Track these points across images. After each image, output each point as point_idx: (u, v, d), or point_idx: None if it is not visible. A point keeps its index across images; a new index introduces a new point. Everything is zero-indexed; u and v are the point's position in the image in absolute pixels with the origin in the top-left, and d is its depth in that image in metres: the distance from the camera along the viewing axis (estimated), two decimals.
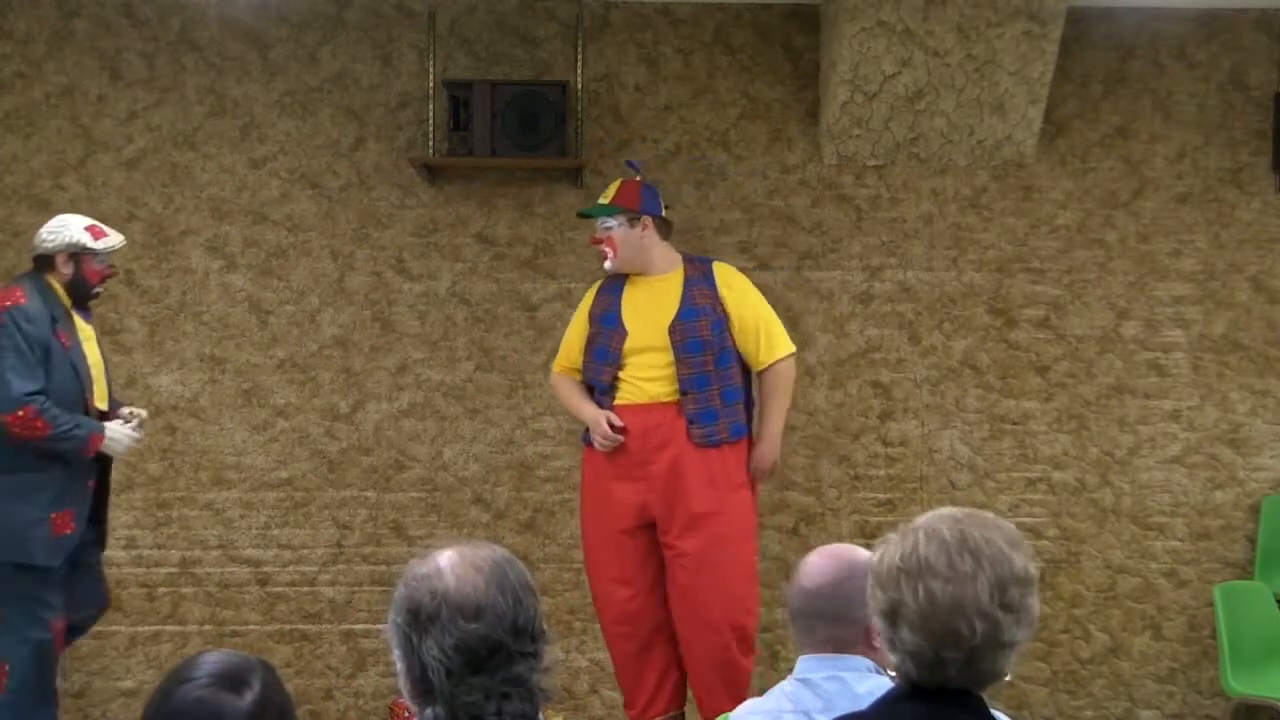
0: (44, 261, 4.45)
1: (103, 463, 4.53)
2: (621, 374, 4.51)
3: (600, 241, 4.57)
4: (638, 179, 4.62)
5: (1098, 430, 5.60)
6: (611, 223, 4.53)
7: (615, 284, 4.61)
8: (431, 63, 5.43)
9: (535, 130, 5.28)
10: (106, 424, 4.41)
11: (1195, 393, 5.62)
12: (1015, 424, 5.60)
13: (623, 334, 4.50)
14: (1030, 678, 5.55)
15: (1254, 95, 5.64)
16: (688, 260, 4.63)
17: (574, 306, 5.48)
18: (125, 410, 4.56)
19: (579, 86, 5.44)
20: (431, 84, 5.42)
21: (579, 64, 5.46)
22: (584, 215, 4.75)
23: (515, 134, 5.28)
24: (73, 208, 5.43)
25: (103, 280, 4.51)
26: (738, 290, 4.58)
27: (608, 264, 4.57)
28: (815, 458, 5.57)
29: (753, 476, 4.58)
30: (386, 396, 5.51)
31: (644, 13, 5.57)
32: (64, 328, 4.40)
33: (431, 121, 5.43)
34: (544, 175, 5.51)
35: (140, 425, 4.56)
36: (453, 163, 5.41)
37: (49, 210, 5.43)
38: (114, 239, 4.51)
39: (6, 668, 4.40)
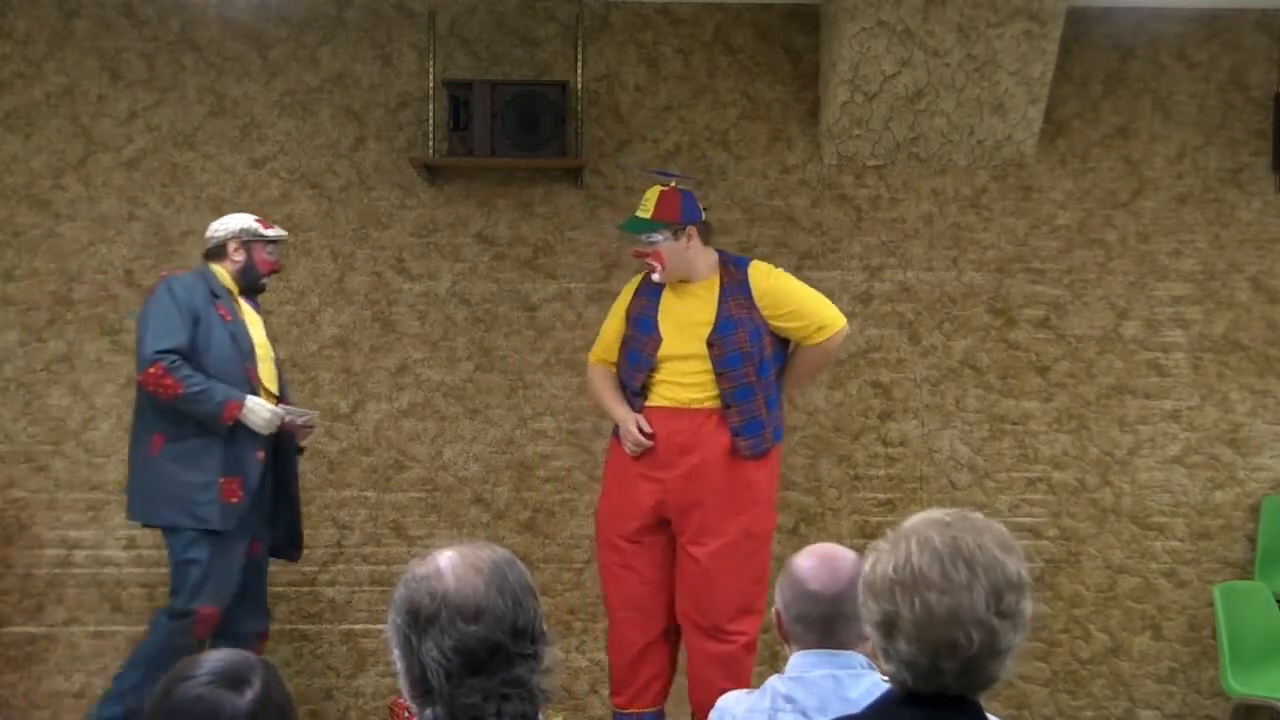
0: (215, 251, 4.62)
1: (281, 448, 4.61)
2: (653, 378, 4.50)
3: (645, 255, 4.49)
4: (673, 185, 4.53)
5: (1098, 430, 5.60)
6: (657, 237, 4.43)
7: (654, 287, 4.56)
8: (431, 63, 5.43)
9: (535, 130, 5.28)
10: (249, 396, 4.45)
11: (1195, 393, 5.62)
12: (1015, 424, 5.60)
13: (657, 340, 4.47)
14: (1030, 678, 5.56)
15: (1254, 95, 5.64)
16: (723, 263, 4.54)
17: (574, 307, 5.51)
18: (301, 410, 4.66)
19: (579, 86, 5.44)
20: (431, 84, 5.42)
21: (579, 64, 5.46)
22: (626, 230, 4.59)
23: (515, 134, 5.28)
24: (73, 208, 5.45)
25: (271, 272, 4.68)
26: (772, 292, 4.48)
27: (656, 276, 4.50)
28: (815, 458, 5.57)
29: None
30: (386, 396, 5.51)
31: (644, 13, 5.57)
32: (225, 304, 4.53)
33: (431, 121, 5.43)
34: (544, 175, 5.51)
35: (304, 423, 4.61)
36: (453, 163, 5.41)
37: (49, 210, 5.46)
38: (281, 230, 4.73)
39: (148, 631, 4.52)
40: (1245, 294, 5.64)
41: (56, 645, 5.42)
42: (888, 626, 1.94)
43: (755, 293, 4.46)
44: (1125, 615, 5.61)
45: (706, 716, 4.48)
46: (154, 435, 4.44)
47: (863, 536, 5.43)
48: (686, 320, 4.46)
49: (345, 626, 5.50)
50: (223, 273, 4.59)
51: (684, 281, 4.50)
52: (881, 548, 1.98)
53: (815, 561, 2.63)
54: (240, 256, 4.60)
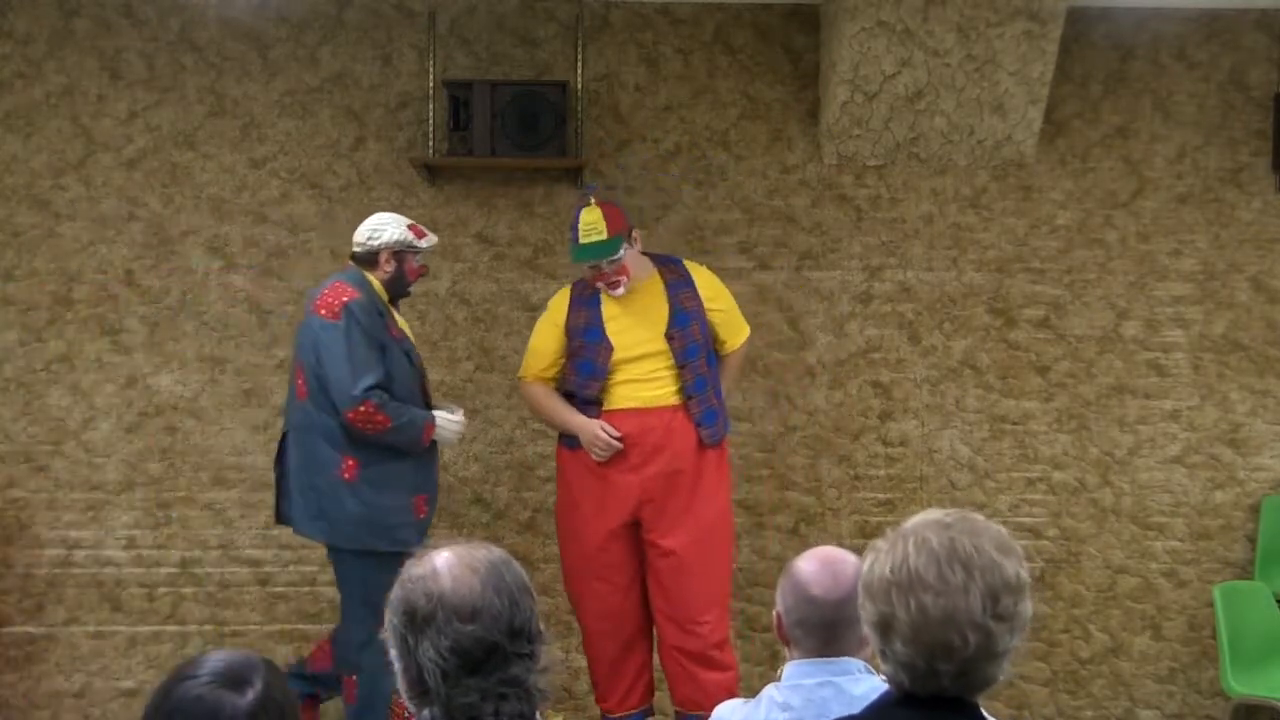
0: (366, 259, 4.55)
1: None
2: (609, 383, 4.51)
3: (609, 275, 4.48)
4: (593, 199, 4.52)
5: (1098, 430, 5.60)
6: (619, 253, 4.47)
7: (590, 296, 4.57)
8: (431, 63, 5.43)
9: (535, 130, 5.28)
10: (434, 413, 4.49)
11: (1195, 393, 5.62)
12: (1015, 424, 5.59)
13: (609, 348, 4.49)
14: (1030, 678, 5.56)
15: (1254, 95, 5.64)
16: (658, 263, 4.62)
17: None
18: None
19: (579, 86, 5.44)
20: (431, 84, 5.42)
21: (579, 64, 5.46)
22: (589, 259, 4.46)
23: (515, 134, 5.28)
24: (73, 208, 5.45)
25: (418, 278, 4.64)
26: (713, 288, 4.65)
27: (620, 291, 4.49)
28: (815, 458, 5.57)
29: None
30: None
31: (644, 13, 5.57)
32: (390, 321, 4.51)
33: (431, 121, 5.43)
34: (544, 175, 5.50)
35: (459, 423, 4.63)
36: (453, 163, 5.40)
37: (49, 210, 5.45)
38: (433, 237, 4.66)
39: (354, 678, 4.42)
40: (1245, 294, 5.64)
41: (56, 645, 5.42)
42: (884, 627, 1.93)
43: (699, 285, 4.60)
44: (1125, 615, 5.60)
45: (691, 710, 4.54)
46: (346, 459, 4.37)
47: (863, 536, 5.43)
48: (637, 321, 4.49)
49: None
50: (375, 282, 4.52)
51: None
52: (880, 548, 1.97)
53: (817, 566, 2.61)
54: (390, 267, 4.53)
